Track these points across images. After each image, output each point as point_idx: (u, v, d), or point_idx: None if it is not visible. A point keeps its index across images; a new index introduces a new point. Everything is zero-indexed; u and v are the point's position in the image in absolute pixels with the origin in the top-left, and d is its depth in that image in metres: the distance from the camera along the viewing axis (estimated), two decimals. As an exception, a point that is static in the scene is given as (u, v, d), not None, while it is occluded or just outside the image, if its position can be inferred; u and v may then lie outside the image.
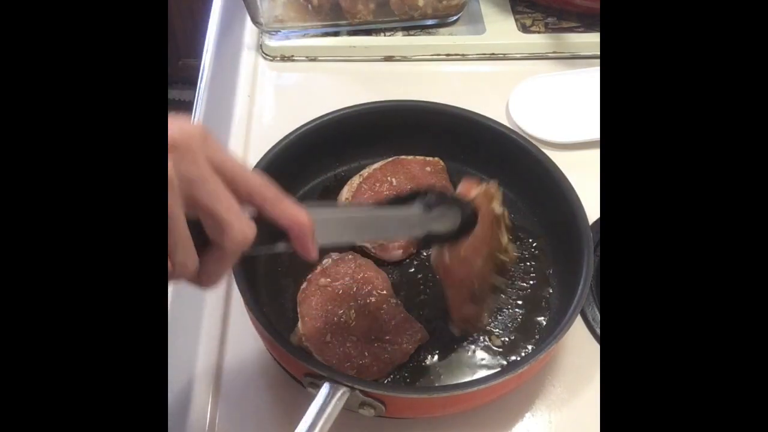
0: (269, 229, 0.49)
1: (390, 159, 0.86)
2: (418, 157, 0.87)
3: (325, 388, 0.61)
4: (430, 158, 0.87)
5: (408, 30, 1.09)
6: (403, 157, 0.87)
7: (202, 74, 1.08)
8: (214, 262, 0.48)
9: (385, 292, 0.75)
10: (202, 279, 0.48)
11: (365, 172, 0.85)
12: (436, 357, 0.74)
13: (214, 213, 0.45)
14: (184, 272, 0.46)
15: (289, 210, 0.49)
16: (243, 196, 0.47)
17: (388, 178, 0.84)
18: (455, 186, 0.86)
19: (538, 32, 1.10)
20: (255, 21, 1.06)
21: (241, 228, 0.46)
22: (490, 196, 0.67)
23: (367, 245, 0.80)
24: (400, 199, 0.61)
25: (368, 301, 0.74)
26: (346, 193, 0.84)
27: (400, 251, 0.80)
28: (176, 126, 0.44)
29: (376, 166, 0.86)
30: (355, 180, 0.85)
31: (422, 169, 0.86)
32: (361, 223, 0.58)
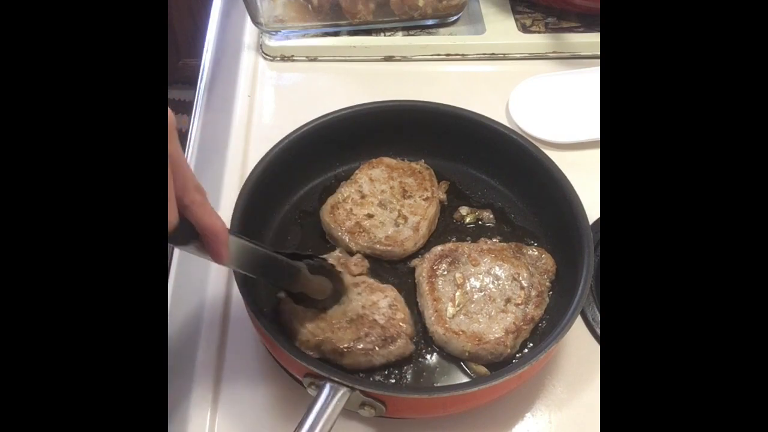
0: (186, 227, 0.52)
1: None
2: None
3: (325, 389, 0.61)
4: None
5: (408, 30, 1.09)
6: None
7: (202, 74, 1.08)
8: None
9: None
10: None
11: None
12: (435, 357, 0.74)
13: None
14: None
15: (211, 216, 0.53)
16: (177, 189, 0.51)
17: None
18: (458, 188, 0.87)
19: (538, 32, 1.10)
20: (255, 21, 1.06)
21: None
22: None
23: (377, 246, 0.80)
24: (293, 255, 0.66)
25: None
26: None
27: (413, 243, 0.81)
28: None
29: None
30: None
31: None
32: (260, 259, 0.63)
